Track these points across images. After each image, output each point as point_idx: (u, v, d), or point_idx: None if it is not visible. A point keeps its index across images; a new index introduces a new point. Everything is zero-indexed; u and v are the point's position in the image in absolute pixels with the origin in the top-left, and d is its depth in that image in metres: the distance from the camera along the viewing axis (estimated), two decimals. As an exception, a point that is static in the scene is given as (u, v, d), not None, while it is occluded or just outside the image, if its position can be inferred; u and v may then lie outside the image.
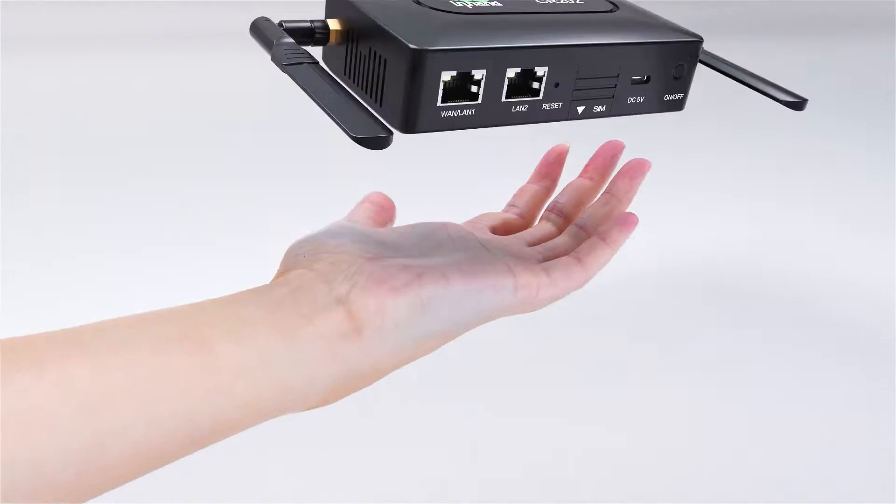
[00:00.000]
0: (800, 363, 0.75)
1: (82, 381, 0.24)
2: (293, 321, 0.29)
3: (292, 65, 0.30)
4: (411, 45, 0.29)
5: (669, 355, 0.75)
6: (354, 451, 0.61)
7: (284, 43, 0.32)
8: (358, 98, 0.29)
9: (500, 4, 0.34)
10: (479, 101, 0.31)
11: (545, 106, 0.33)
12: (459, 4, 0.33)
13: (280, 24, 0.36)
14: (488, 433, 0.64)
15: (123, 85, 1.13)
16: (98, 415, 0.24)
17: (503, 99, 0.31)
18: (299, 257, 0.33)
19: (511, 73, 0.31)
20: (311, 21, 0.35)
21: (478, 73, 0.30)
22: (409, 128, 0.30)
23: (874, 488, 0.61)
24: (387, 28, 0.30)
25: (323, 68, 0.30)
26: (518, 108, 0.32)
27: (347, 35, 0.34)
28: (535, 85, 0.32)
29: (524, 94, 0.32)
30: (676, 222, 0.98)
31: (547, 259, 0.38)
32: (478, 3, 0.34)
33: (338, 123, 0.27)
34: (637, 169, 0.42)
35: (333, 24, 0.34)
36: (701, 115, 1.17)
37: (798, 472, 0.63)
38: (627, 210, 0.42)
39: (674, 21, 0.37)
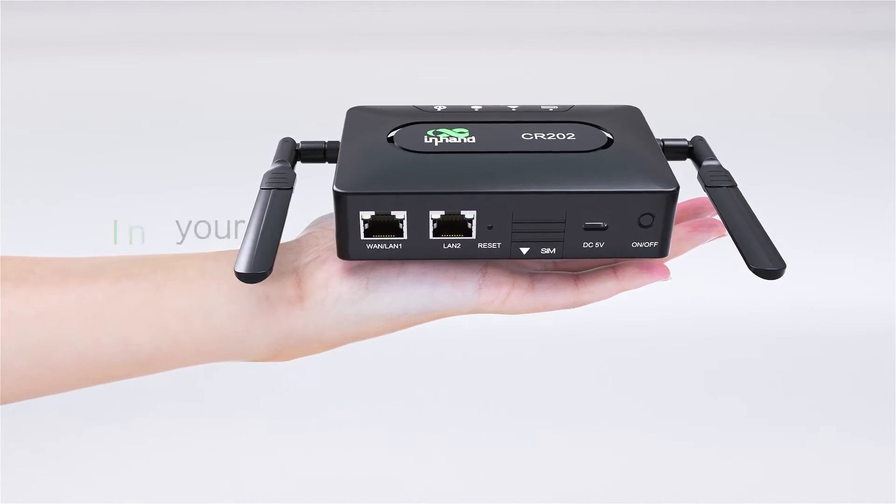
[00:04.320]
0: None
1: (45, 296, 0.32)
2: None
3: (263, 189, 0.35)
4: (335, 187, 0.31)
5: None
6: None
7: (275, 167, 0.36)
8: (270, 235, 0.32)
9: (472, 141, 0.35)
10: (405, 237, 0.32)
11: (481, 245, 0.32)
12: (428, 141, 0.34)
13: (297, 143, 0.39)
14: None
15: (123, 85, 1.13)
16: (49, 322, 0.32)
17: (431, 237, 0.32)
18: (307, 228, 0.37)
19: (435, 214, 0.32)
20: (327, 142, 0.38)
21: (399, 214, 0.32)
22: (342, 255, 0.33)
23: None
24: (337, 164, 0.33)
25: (286, 197, 0.34)
26: (450, 245, 0.32)
27: None
28: (468, 225, 0.32)
29: (456, 234, 0.32)
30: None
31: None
32: (450, 140, 0.35)
33: (240, 249, 0.31)
34: (706, 227, 0.36)
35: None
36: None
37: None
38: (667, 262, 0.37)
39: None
